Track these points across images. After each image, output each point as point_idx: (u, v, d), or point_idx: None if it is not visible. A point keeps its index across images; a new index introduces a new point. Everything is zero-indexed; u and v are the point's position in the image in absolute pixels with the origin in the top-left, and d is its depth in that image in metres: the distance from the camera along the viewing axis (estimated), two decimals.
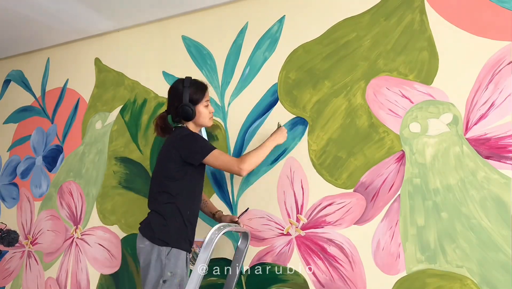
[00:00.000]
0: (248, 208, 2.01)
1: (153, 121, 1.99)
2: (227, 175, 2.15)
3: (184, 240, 1.76)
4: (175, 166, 1.77)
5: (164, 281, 1.67)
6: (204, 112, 1.89)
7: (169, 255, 1.70)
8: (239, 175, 1.77)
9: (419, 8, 1.86)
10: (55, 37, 2.82)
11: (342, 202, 1.87)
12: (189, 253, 1.81)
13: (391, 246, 1.75)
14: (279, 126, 1.97)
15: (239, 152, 2.14)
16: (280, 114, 2.07)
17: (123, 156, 2.50)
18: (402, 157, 1.79)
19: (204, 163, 1.78)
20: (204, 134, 2.10)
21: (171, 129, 1.92)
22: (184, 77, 1.91)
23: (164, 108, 2.24)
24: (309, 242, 1.91)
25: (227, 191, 2.14)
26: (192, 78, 1.91)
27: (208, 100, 1.92)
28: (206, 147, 1.79)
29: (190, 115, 1.85)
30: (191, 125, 1.90)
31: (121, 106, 2.58)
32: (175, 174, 1.77)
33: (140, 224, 1.81)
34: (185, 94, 1.85)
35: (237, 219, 1.94)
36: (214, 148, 1.79)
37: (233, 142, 2.17)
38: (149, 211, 1.82)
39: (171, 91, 1.92)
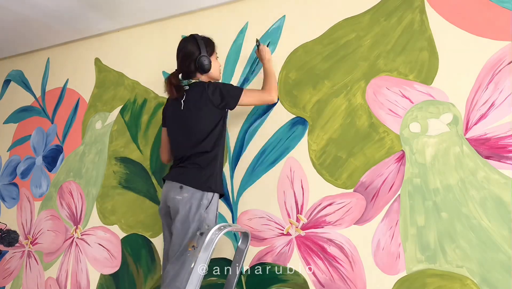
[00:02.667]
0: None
1: (165, 81, 1.97)
2: (227, 175, 2.16)
3: (221, 183, 1.89)
4: (210, 119, 1.86)
5: (201, 234, 1.70)
6: (216, 65, 1.99)
7: (208, 208, 1.77)
8: (273, 102, 2.03)
9: (419, 8, 1.86)
10: (55, 37, 2.82)
11: (342, 202, 1.87)
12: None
13: (391, 246, 1.75)
14: (258, 44, 2.07)
15: (239, 152, 2.14)
16: (280, 114, 2.07)
17: (123, 156, 2.50)
18: (402, 157, 1.79)
19: (240, 104, 1.91)
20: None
21: (183, 89, 1.92)
22: (189, 35, 1.99)
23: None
24: (309, 242, 1.91)
25: (227, 190, 2.14)
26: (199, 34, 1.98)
27: (217, 53, 2.01)
28: (237, 88, 1.92)
29: (208, 66, 1.90)
30: (204, 79, 1.95)
31: (121, 106, 2.58)
32: (211, 127, 1.85)
33: (172, 175, 1.85)
34: (201, 46, 1.91)
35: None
36: (242, 88, 1.93)
37: (233, 142, 2.17)
38: (181, 165, 1.87)
39: (184, 46, 1.94)
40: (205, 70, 1.91)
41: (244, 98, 1.90)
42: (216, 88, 1.87)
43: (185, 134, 1.89)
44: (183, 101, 1.91)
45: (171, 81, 1.94)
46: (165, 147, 2.08)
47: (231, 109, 1.93)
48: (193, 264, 1.66)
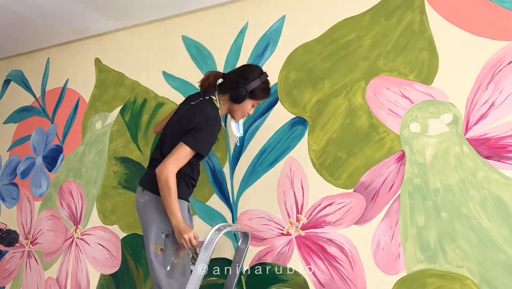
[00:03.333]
0: None
1: (207, 74, 1.89)
2: (227, 175, 2.16)
3: (185, 191, 1.77)
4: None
5: (167, 235, 1.68)
6: (247, 108, 1.86)
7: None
8: (157, 170, 1.67)
9: (419, 8, 1.86)
10: (55, 37, 2.82)
11: (342, 202, 1.87)
12: (189, 202, 1.82)
13: (391, 246, 1.75)
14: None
15: (239, 152, 2.14)
16: (280, 114, 2.07)
17: (123, 156, 2.50)
18: (402, 157, 1.79)
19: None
20: (235, 127, 2.00)
21: (211, 92, 1.86)
22: (264, 69, 1.89)
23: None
24: (309, 242, 1.91)
25: (227, 190, 2.14)
26: (268, 77, 1.87)
27: (258, 104, 1.92)
28: (197, 143, 1.71)
29: (237, 100, 1.81)
30: (225, 104, 1.86)
31: (121, 106, 2.58)
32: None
33: (140, 179, 1.83)
34: (254, 82, 1.80)
35: None
36: (197, 149, 1.71)
37: (233, 143, 2.17)
38: (150, 167, 1.84)
39: (246, 69, 1.89)
40: (233, 99, 1.81)
41: (179, 146, 1.71)
42: (204, 126, 1.73)
43: (163, 139, 1.86)
44: (184, 107, 1.90)
45: (209, 78, 1.86)
46: (161, 124, 2.07)
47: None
48: (168, 267, 1.65)
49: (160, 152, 1.81)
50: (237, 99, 1.81)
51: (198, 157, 1.76)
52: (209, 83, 1.87)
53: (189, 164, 1.76)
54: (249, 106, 1.87)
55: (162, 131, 1.96)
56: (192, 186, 1.84)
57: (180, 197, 1.71)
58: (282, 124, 2.06)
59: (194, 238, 1.63)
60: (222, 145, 2.19)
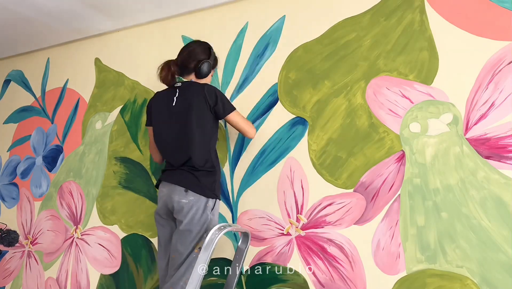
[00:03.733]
0: None
1: (163, 66, 1.97)
2: (227, 175, 2.16)
3: (219, 189, 1.91)
4: (208, 119, 1.87)
5: (205, 236, 1.72)
6: (209, 78, 2.03)
7: (213, 210, 1.80)
8: (250, 138, 2.05)
9: (419, 8, 1.86)
10: (55, 37, 2.82)
11: (342, 202, 1.87)
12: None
13: (391, 246, 1.75)
14: None
15: (239, 152, 2.14)
16: (280, 114, 2.07)
17: (123, 156, 2.50)
18: (402, 157, 1.79)
19: (227, 119, 1.92)
20: None
21: (174, 81, 1.96)
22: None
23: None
24: (309, 242, 1.91)
25: (227, 190, 2.14)
26: None
27: (213, 72, 2.08)
28: (231, 104, 1.94)
29: (206, 74, 1.96)
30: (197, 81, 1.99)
31: (121, 106, 2.58)
32: (208, 129, 1.87)
33: (174, 179, 1.83)
34: (211, 54, 1.99)
35: None
36: (235, 108, 1.94)
37: (233, 143, 2.17)
38: (181, 168, 1.84)
39: (194, 46, 1.99)
40: (201, 75, 1.96)
41: (234, 115, 1.93)
42: (213, 92, 1.87)
43: (181, 134, 1.85)
44: (176, 97, 1.90)
45: (170, 67, 1.93)
46: (155, 148, 2.04)
47: (218, 118, 1.92)
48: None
49: (190, 148, 1.82)
50: (205, 74, 1.96)
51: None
52: (172, 72, 1.95)
53: (214, 151, 1.93)
54: (210, 77, 2.04)
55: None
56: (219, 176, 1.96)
57: (219, 196, 1.88)
58: (282, 124, 2.06)
59: None
60: (222, 145, 2.19)
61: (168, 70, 1.94)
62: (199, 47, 1.99)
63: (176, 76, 1.97)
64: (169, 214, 1.86)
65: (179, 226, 1.76)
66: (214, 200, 1.82)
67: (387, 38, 1.90)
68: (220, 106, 1.87)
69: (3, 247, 2.50)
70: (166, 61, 1.97)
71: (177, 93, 1.91)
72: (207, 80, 2.01)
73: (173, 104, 1.90)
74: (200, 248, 1.71)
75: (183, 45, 2.04)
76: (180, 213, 1.77)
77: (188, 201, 1.77)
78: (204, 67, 1.94)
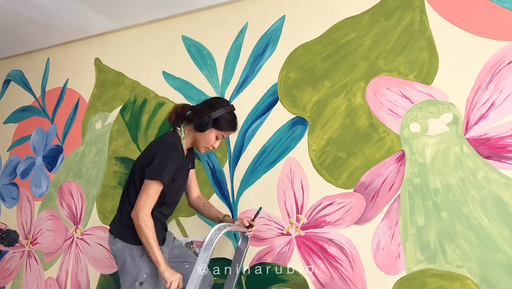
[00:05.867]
0: (261, 208, 1.87)
1: (174, 106, 1.86)
2: (227, 175, 2.16)
3: (158, 234, 1.69)
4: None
5: (141, 283, 1.64)
6: (211, 139, 1.76)
7: (143, 256, 1.66)
8: (132, 214, 1.65)
9: (419, 8, 1.86)
10: (55, 37, 2.82)
11: (342, 202, 1.87)
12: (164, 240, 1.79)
13: (391, 246, 1.75)
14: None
15: (239, 152, 2.14)
16: (280, 114, 2.07)
17: (123, 156, 2.50)
18: (402, 157, 1.79)
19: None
20: None
21: (179, 124, 1.81)
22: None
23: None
24: (309, 242, 1.91)
25: (227, 190, 2.14)
26: (234, 111, 1.81)
27: (223, 138, 1.81)
28: (156, 173, 1.65)
29: (201, 127, 1.72)
30: (190, 135, 1.79)
31: (121, 106, 2.58)
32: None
33: (110, 225, 1.77)
34: (219, 111, 1.73)
35: (253, 223, 1.84)
36: (160, 179, 1.65)
37: (233, 143, 2.17)
38: (118, 212, 1.78)
39: (213, 99, 1.86)
40: (196, 127, 1.73)
41: (146, 184, 1.66)
42: (160, 153, 1.69)
43: (131, 179, 1.77)
44: (154, 142, 1.85)
45: (177, 109, 1.82)
46: None
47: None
48: None
49: (127, 196, 1.74)
50: (200, 126, 1.72)
51: (166, 186, 1.69)
52: (177, 114, 1.81)
53: (163, 197, 1.70)
54: (213, 138, 1.76)
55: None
56: (162, 225, 1.79)
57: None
58: (282, 124, 2.06)
59: (178, 286, 1.61)
60: (222, 145, 2.19)
61: (175, 112, 1.82)
62: (211, 100, 1.83)
63: (182, 122, 1.82)
64: None
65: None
66: (141, 247, 1.66)
67: (387, 38, 1.90)
68: (149, 163, 1.68)
69: (3, 247, 2.49)
70: (178, 104, 1.88)
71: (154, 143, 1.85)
72: (204, 136, 1.76)
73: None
74: (141, 283, 1.64)
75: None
76: (114, 260, 1.74)
77: (116, 248, 1.70)
78: (200, 118, 1.72)
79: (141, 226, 1.61)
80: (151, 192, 1.65)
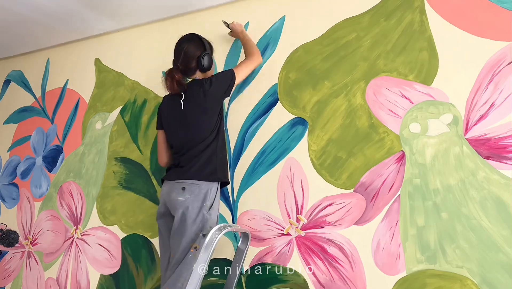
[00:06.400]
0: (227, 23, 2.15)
1: (166, 76, 1.93)
2: None
3: (223, 173, 1.89)
4: (211, 115, 1.88)
5: (204, 235, 1.72)
6: (213, 66, 2.01)
7: (210, 210, 1.77)
8: (261, 62, 2.08)
9: (419, 8, 1.86)
10: (55, 37, 2.82)
11: (342, 202, 1.87)
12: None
13: (391, 246, 1.75)
14: (227, 24, 2.17)
15: (239, 152, 2.14)
16: (280, 114, 2.07)
17: (123, 156, 2.50)
18: (402, 157, 1.79)
19: (238, 81, 1.96)
20: None
21: (185, 84, 1.92)
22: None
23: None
24: (309, 242, 1.91)
25: (227, 191, 2.14)
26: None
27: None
28: (228, 72, 1.95)
29: (210, 64, 1.95)
30: (199, 77, 1.96)
31: (121, 106, 2.58)
32: (212, 125, 1.88)
33: (173, 175, 1.86)
34: (206, 44, 1.96)
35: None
36: (231, 69, 1.96)
37: (233, 142, 2.17)
38: (181, 165, 1.86)
39: (187, 44, 1.93)
40: (206, 68, 1.94)
41: (239, 75, 1.96)
42: (211, 81, 1.89)
43: (188, 134, 1.88)
44: (183, 100, 1.91)
45: (173, 76, 1.90)
46: (163, 150, 2.05)
47: (228, 96, 1.98)
48: (194, 265, 1.67)
49: (195, 145, 1.85)
50: (210, 65, 1.95)
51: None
52: (178, 80, 1.90)
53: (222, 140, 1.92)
54: (213, 66, 2.01)
55: (168, 152, 2.03)
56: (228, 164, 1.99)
57: (224, 177, 1.89)
58: (282, 124, 2.06)
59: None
60: None
61: (172, 79, 1.91)
62: (192, 43, 1.94)
63: (185, 79, 1.96)
64: (169, 213, 1.86)
65: (177, 224, 1.77)
66: (214, 192, 1.81)
67: (387, 39, 1.90)
68: (223, 85, 1.91)
69: (3, 247, 2.49)
70: (168, 70, 1.94)
71: (183, 96, 1.92)
72: (212, 68, 2.00)
73: (182, 107, 1.91)
74: (195, 248, 1.71)
75: (175, 46, 1.97)
76: (176, 211, 1.78)
77: (184, 199, 1.77)
78: (205, 61, 1.92)
79: (260, 55, 2.07)
80: (242, 69, 1.99)
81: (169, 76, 1.92)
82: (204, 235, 1.72)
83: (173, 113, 1.95)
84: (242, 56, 2.23)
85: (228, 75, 1.94)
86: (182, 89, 1.91)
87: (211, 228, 1.72)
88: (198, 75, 1.96)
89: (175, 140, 1.94)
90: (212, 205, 1.80)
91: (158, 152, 2.09)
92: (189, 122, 1.88)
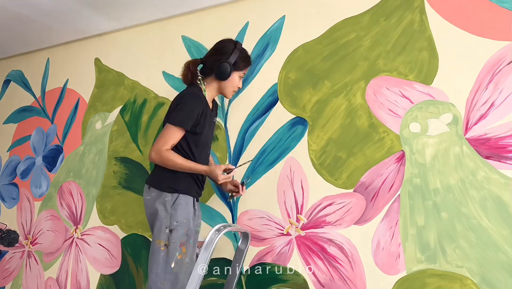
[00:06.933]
0: (250, 160, 1.97)
1: (184, 65, 1.92)
2: None
3: (192, 186, 1.80)
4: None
5: (171, 231, 1.71)
6: (235, 81, 1.89)
7: (174, 205, 1.73)
8: (148, 157, 1.78)
9: (419, 8, 1.86)
10: (55, 37, 2.82)
11: (342, 202, 1.87)
12: (197, 201, 1.85)
13: (391, 246, 1.75)
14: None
15: (239, 152, 2.14)
16: (280, 114, 2.07)
17: (123, 156, 2.50)
18: (402, 157, 1.79)
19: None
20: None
21: (195, 81, 1.90)
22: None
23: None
24: (309, 242, 1.91)
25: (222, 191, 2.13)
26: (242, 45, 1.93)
27: (244, 74, 1.94)
28: (177, 118, 1.75)
29: (225, 75, 1.83)
30: (213, 86, 1.90)
31: (121, 106, 2.58)
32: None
33: (146, 179, 1.86)
34: (234, 54, 1.84)
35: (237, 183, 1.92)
36: (179, 124, 1.74)
37: (233, 143, 2.17)
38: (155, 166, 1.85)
39: (219, 45, 1.92)
40: (220, 77, 1.84)
41: (165, 128, 1.77)
42: (180, 102, 1.79)
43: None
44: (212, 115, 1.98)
45: (190, 67, 1.89)
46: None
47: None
48: (172, 264, 1.66)
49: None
50: (224, 75, 1.83)
51: (193, 138, 1.80)
52: (191, 71, 1.89)
53: (191, 153, 1.80)
54: (237, 79, 1.90)
55: None
56: (196, 180, 1.84)
57: (182, 191, 1.76)
58: (282, 124, 2.06)
59: (227, 172, 1.77)
60: (222, 145, 2.19)
61: (188, 70, 1.90)
62: (221, 44, 1.91)
63: (199, 76, 1.89)
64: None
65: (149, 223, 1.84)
66: (176, 194, 1.75)
67: (387, 38, 1.90)
68: (168, 114, 1.82)
69: (3, 247, 2.49)
70: (188, 61, 1.94)
71: (214, 112, 1.99)
72: (229, 81, 1.88)
73: (213, 120, 1.97)
74: (166, 245, 1.69)
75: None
76: (146, 210, 1.81)
77: (150, 197, 1.78)
78: (221, 68, 1.82)
79: (164, 157, 1.73)
80: (169, 134, 1.75)
81: (186, 66, 1.92)
82: (171, 231, 1.70)
83: (211, 121, 1.93)
84: None
85: (173, 116, 1.78)
86: (189, 82, 1.90)
87: (177, 222, 1.71)
88: (213, 80, 1.89)
89: (208, 143, 1.93)
90: (175, 201, 1.75)
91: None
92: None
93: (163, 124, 1.82)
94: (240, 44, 1.91)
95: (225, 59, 1.83)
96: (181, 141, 1.79)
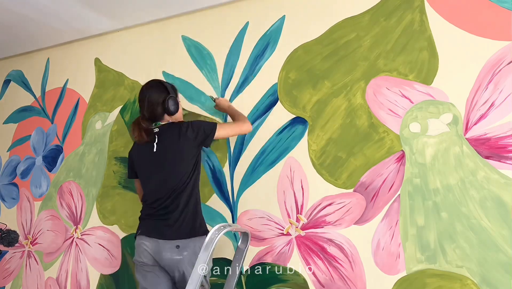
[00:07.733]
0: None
1: (133, 127, 1.91)
2: (227, 175, 2.15)
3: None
4: (189, 158, 1.84)
5: (205, 276, 1.74)
6: (180, 108, 2.00)
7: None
8: (250, 131, 2.03)
9: (419, 8, 1.86)
10: (55, 37, 2.82)
11: (342, 202, 1.87)
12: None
13: (391, 246, 1.75)
14: (214, 99, 2.14)
15: (239, 152, 2.14)
16: (280, 114, 2.07)
17: (123, 156, 2.50)
18: (402, 157, 1.79)
19: (216, 137, 1.90)
20: None
21: (153, 132, 1.88)
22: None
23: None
24: (309, 242, 1.91)
25: (227, 190, 2.14)
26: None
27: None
28: (211, 124, 1.90)
29: (177, 107, 1.92)
30: (170, 120, 1.95)
31: (121, 106, 2.58)
32: (190, 168, 1.84)
33: (156, 233, 1.80)
34: (168, 87, 1.93)
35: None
36: (215, 123, 1.91)
37: (233, 143, 2.17)
38: (165, 218, 1.80)
39: (152, 89, 1.92)
40: (173, 112, 1.91)
41: (219, 131, 1.89)
42: (191, 125, 1.86)
43: (163, 178, 1.82)
44: (156, 143, 1.86)
45: (140, 125, 1.88)
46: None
47: (206, 146, 1.92)
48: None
49: (172, 190, 1.80)
50: (176, 108, 1.93)
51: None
52: (145, 128, 1.87)
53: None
54: (179, 106, 1.99)
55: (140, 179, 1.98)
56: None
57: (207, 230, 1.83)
58: (282, 124, 2.06)
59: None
60: (222, 145, 2.19)
61: (140, 130, 1.87)
62: (154, 90, 1.92)
63: (151, 127, 1.91)
64: (159, 266, 1.83)
65: (181, 280, 1.77)
66: (204, 237, 1.67)
67: (387, 38, 1.90)
68: (201, 133, 1.86)
69: (3, 247, 2.49)
70: (135, 120, 1.93)
71: (157, 139, 1.87)
72: (179, 111, 1.97)
73: (154, 150, 1.86)
74: (203, 287, 1.74)
75: (138, 96, 1.95)
76: (175, 268, 1.76)
77: (182, 257, 1.74)
78: (171, 105, 1.89)
79: (248, 122, 2.02)
80: (224, 126, 1.94)
81: (136, 126, 1.89)
82: (205, 276, 1.74)
83: (145, 157, 1.89)
84: (242, 56, 2.23)
85: (210, 126, 1.88)
86: (151, 138, 1.87)
87: (207, 265, 1.63)
88: (167, 119, 1.93)
89: (148, 186, 1.89)
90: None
91: (139, 197, 2.07)
92: (164, 166, 1.83)
93: (179, 157, 1.83)
94: (158, 79, 2.01)
95: (172, 95, 1.93)
96: (198, 163, 1.90)
